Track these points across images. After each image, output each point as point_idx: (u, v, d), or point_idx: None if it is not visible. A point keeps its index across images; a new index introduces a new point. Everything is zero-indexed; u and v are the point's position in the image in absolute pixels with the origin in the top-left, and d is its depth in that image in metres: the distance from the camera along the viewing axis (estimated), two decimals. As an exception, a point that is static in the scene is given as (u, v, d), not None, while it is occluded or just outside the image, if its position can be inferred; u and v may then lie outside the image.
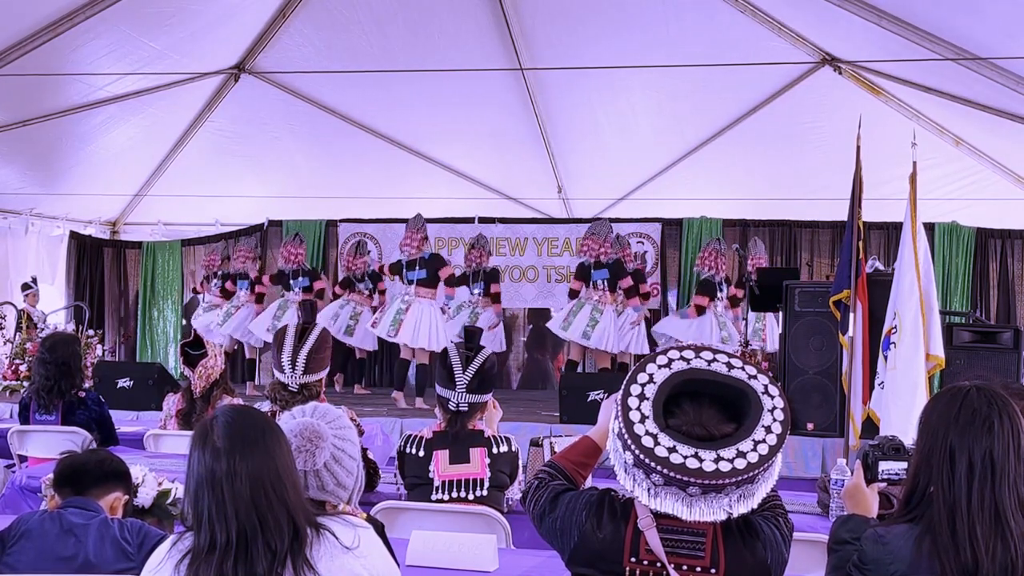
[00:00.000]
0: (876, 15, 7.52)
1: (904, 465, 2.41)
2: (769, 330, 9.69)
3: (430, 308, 8.84)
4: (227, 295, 10.51)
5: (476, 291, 9.69)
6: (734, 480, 2.03)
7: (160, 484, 3.29)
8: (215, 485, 1.97)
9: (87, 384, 6.66)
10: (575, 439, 2.57)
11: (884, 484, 2.50)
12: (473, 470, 3.74)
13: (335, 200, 11.30)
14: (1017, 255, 10.59)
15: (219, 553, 1.95)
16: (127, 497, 3.06)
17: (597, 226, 9.31)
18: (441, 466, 3.75)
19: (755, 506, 2.12)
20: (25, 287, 10.80)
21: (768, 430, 2.08)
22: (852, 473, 2.57)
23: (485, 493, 3.73)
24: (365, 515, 2.54)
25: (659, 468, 2.04)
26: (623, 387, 2.15)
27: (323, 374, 4.22)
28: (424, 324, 8.74)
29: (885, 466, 2.46)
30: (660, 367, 2.17)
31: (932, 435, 2.20)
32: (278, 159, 11.54)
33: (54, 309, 11.20)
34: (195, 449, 2.03)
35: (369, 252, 10.40)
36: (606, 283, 8.98)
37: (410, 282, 8.86)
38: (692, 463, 2.03)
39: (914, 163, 6.19)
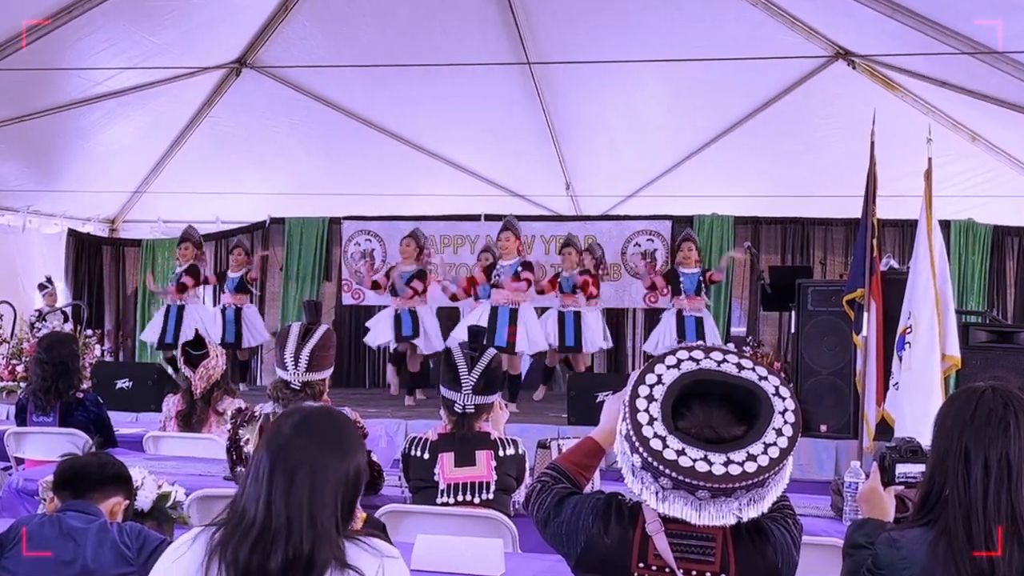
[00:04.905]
0: (890, 8, 7.47)
1: (922, 467, 2.37)
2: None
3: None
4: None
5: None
6: (744, 484, 2.01)
7: (160, 487, 3.24)
8: (277, 458, 1.95)
9: (85, 385, 6.67)
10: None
11: (901, 487, 2.47)
12: (479, 473, 3.74)
13: (338, 197, 11.22)
14: (1034, 253, 10.52)
15: (241, 532, 1.92)
16: (127, 502, 3.01)
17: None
18: (447, 469, 3.74)
19: (765, 510, 2.09)
20: (41, 287, 10.80)
21: (779, 433, 2.06)
22: (866, 476, 2.55)
23: (491, 496, 3.72)
24: (365, 515, 2.55)
25: (668, 471, 2.01)
26: (631, 388, 2.12)
27: (327, 373, 4.11)
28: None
29: (903, 468, 2.43)
30: (669, 367, 2.14)
31: (947, 437, 2.19)
32: (280, 155, 11.47)
33: (52, 308, 11.11)
34: (286, 421, 2.03)
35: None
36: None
37: None
38: (701, 466, 2.00)
39: (929, 159, 6.21)
